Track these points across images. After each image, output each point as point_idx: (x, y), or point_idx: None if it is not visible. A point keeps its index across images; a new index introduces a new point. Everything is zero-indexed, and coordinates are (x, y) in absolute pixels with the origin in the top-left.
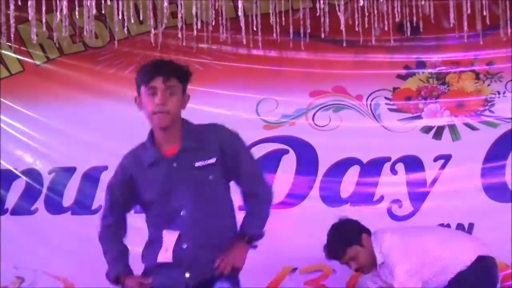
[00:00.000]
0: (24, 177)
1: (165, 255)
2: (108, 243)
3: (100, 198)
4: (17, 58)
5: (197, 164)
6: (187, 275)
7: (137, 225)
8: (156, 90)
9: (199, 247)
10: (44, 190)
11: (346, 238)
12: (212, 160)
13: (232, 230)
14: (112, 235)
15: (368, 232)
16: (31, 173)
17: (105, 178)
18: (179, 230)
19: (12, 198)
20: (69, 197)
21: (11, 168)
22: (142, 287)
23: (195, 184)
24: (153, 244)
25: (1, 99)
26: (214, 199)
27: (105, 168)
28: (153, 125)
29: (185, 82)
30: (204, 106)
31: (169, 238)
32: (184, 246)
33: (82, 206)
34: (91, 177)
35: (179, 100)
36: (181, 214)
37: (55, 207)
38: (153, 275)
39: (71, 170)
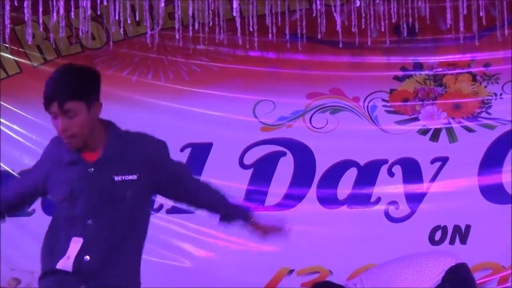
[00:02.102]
0: None
1: (66, 262)
2: None
3: None
4: (14, 60)
5: (116, 178)
6: (83, 287)
7: None
8: (55, 115)
9: (102, 261)
10: None
11: None
12: (134, 177)
13: (138, 250)
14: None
15: None
16: None
17: None
18: (84, 238)
19: None
20: None
21: (9, 170)
22: None
23: (109, 198)
24: (54, 246)
25: None
26: (128, 216)
27: None
28: None
29: (89, 96)
30: (200, 108)
31: (75, 246)
32: (87, 258)
33: None
34: None
35: (84, 118)
36: (87, 222)
37: (52, 208)
38: (48, 278)
39: None
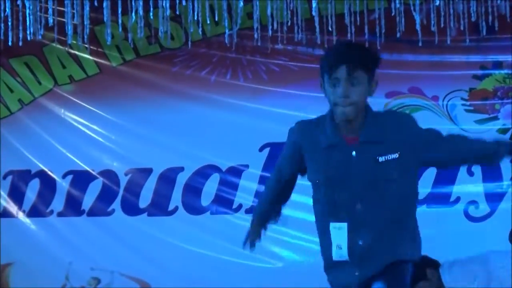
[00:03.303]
0: (101, 178)
1: (339, 252)
2: (259, 204)
3: (176, 199)
4: (94, 60)
5: (381, 159)
6: (357, 273)
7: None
8: (338, 81)
9: (375, 245)
10: (121, 191)
11: (411, 277)
12: (395, 156)
13: (411, 228)
14: (268, 197)
15: (435, 265)
16: (108, 174)
17: (181, 179)
18: (350, 223)
19: (89, 199)
20: (145, 198)
21: (89, 169)
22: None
23: (377, 180)
24: (325, 236)
25: (78, 101)
26: (396, 195)
27: (181, 169)
28: (335, 114)
29: (373, 70)
30: (279, 108)
31: (340, 232)
32: (360, 242)
33: (158, 207)
34: (168, 178)
35: (364, 90)
36: (356, 207)
37: (131, 208)
38: (332, 271)
39: (147, 171)
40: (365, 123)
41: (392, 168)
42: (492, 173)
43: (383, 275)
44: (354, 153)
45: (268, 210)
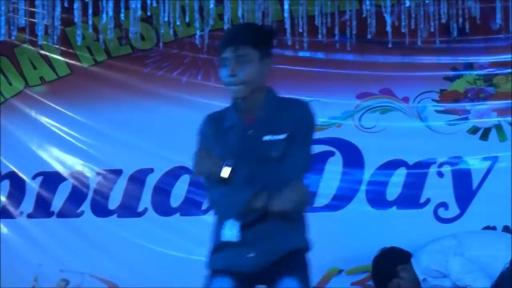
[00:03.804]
0: (70, 180)
1: (230, 233)
2: None
3: (146, 200)
4: (65, 61)
5: (266, 138)
6: (251, 254)
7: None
8: (226, 61)
9: (266, 227)
10: (90, 193)
11: (383, 275)
12: (282, 136)
13: (300, 217)
14: None
15: (406, 259)
16: (77, 175)
17: (151, 180)
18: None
19: (58, 200)
20: (115, 199)
21: (58, 171)
22: None
23: (259, 159)
24: (221, 220)
25: (49, 102)
26: (280, 177)
27: (151, 170)
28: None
29: (263, 48)
30: None
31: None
32: (250, 223)
33: (128, 209)
34: (137, 179)
35: (255, 67)
36: (245, 186)
37: (101, 209)
38: (218, 253)
39: (117, 173)
40: (262, 104)
41: (275, 148)
42: (462, 174)
43: (289, 269)
44: (247, 132)
45: None
